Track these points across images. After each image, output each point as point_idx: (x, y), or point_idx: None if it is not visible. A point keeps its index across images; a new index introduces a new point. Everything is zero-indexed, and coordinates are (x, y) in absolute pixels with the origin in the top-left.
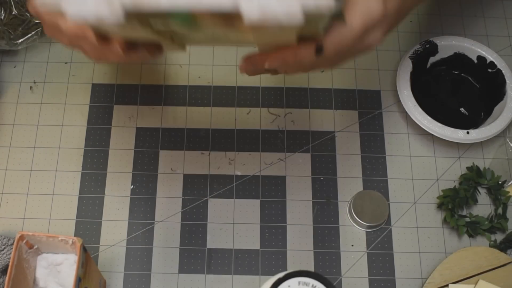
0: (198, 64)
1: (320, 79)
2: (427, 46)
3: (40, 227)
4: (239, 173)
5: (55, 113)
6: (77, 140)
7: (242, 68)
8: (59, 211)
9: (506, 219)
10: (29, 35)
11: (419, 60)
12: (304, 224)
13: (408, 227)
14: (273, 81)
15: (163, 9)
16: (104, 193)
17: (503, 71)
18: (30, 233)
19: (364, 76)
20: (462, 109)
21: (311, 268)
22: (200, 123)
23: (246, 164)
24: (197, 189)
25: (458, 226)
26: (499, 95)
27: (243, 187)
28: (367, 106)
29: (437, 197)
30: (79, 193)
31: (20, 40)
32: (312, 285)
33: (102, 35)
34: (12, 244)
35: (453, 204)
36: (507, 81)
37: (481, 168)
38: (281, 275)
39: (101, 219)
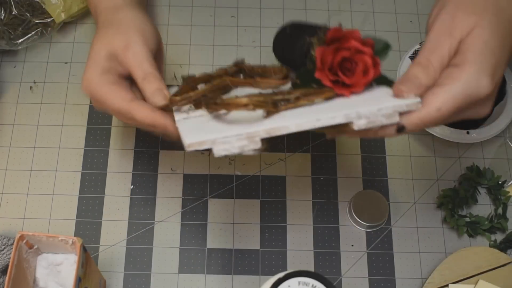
0: (198, 64)
1: None
2: None
3: (40, 227)
4: (239, 173)
5: (55, 113)
6: (77, 140)
7: (328, 136)
8: (59, 211)
9: (506, 219)
10: (29, 35)
11: None
12: (304, 224)
13: (408, 227)
14: None
15: (291, 132)
16: (104, 193)
17: None
18: (30, 233)
19: None
20: None
21: (311, 268)
22: None
23: (246, 164)
24: (197, 189)
25: (458, 226)
26: (499, 95)
27: (243, 187)
28: None
29: (437, 197)
30: (79, 193)
31: (20, 40)
32: (312, 285)
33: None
34: (12, 244)
35: (453, 204)
36: (507, 81)
37: (481, 168)
38: (281, 275)
39: (101, 219)
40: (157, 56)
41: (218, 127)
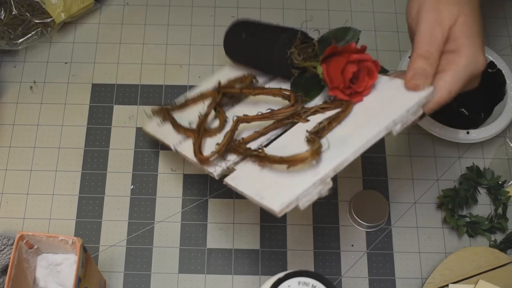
0: (198, 64)
1: None
2: None
3: (40, 227)
4: None
5: (55, 113)
6: (77, 140)
7: None
8: (59, 211)
9: (506, 219)
10: (29, 35)
11: None
12: (304, 224)
13: (408, 227)
14: None
15: (350, 161)
16: (104, 193)
17: (503, 71)
18: (30, 233)
19: None
20: (462, 109)
21: (311, 268)
22: None
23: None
24: (197, 189)
25: (458, 226)
26: (499, 95)
27: None
28: None
29: (437, 197)
30: (79, 193)
31: (20, 40)
32: (312, 285)
33: None
34: (12, 244)
35: (453, 204)
36: (507, 81)
37: (481, 168)
38: (281, 275)
39: (101, 219)
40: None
41: (283, 181)
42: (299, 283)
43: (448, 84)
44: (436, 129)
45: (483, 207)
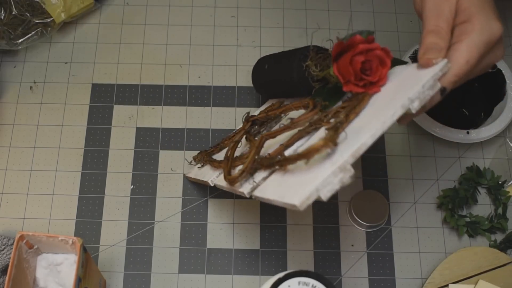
0: (198, 64)
1: None
2: None
3: (40, 227)
4: None
5: (55, 113)
6: (77, 140)
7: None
8: (59, 211)
9: (506, 219)
10: (29, 35)
11: None
12: (304, 224)
13: (408, 227)
14: None
15: (369, 145)
16: (104, 193)
17: (503, 71)
18: (30, 233)
19: None
20: (462, 109)
21: (311, 268)
22: (199, 123)
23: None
24: (197, 189)
25: (458, 226)
26: (499, 95)
27: None
28: None
29: (437, 197)
30: (79, 193)
31: (20, 40)
32: (312, 285)
33: None
34: (12, 244)
35: (453, 204)
36: (507, 81)
37: (481, 168)
38: (281, 275)
39: (101, 219)
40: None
41: (304, 177)
42: (299, 283)
43: (464, 53)
44: (436, 129)
45: (483, 207)
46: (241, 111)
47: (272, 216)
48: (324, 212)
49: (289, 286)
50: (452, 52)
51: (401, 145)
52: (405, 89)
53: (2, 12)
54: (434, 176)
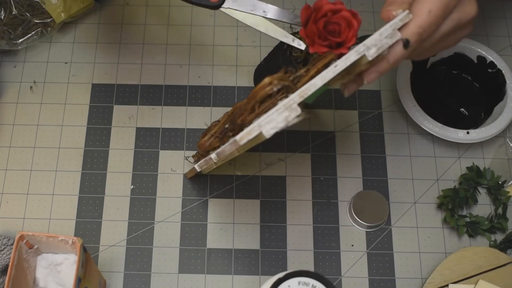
0: (198, 64)
1: None
2: None
3: (40, 227)
4: (239, 173)
5: (55, 113)
6: (77, 140)
7: (346, 93)
8: (59, 211)
9: (506, 219)
10: (29, 35)
11: (419, 60)
12: (304, 224)
13: (408, 227)
14: None
15: (318, 86)
16: (104, 193)
17: (503, 71)
18: (30, 233)
19: None
20: (462, 109)
21: (311, 268)
22: (199, 123)
23: (246, 164)
24: (197, 189)
25: (458, 226)
26: (499, 95)
27: (243, 187)
28: (367, 106)
29: (437, 197)
30: (79, 193)
31: (20, 40)
32: (312, 285)
33: None
34: (12, 244)
35: (453, 204)
36: (507, 81)
37: (481, 168)
38: (281, 275)
39: (101, 219)
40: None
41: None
42: (299, 283)
43: (426, 4)
44: (436, 129)
45: (483, 207)
46: None
47: (272, 216)
48: (324, 212)
49: (289, 286)
50: (414, 5)
51: (401, 145)
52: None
53: (2, 12)
54: (434, 176)
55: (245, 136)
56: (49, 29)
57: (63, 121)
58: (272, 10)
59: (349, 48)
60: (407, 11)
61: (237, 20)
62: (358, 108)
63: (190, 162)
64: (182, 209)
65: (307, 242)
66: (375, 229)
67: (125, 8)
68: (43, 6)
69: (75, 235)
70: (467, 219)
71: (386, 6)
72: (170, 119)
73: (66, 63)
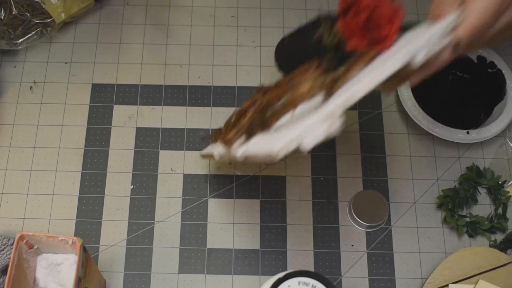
0: (198, 64)
1: None
2: None
3: (40, 227)
4: (239, 173)
5: (55, 113)
6: (77, 140)
7: (387, 92)
8: (59, 211)
9: (506, 219)
10: (29, 35)
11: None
12: (304, 224)
13: (408, 227)
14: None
15: (365, 93)
16: (104, 193)
17: (503, 71)
18: (30, 233)
19: None
20: (462, 109)
21: (311, 268)
22: (199, 123)
23: (246, 164)
24: (197, 189)
25: (458, 226)
26: (499, 95)
27: (243, 187)
28: (367, 106)
29: (437, 197)
30: (79, 193)
31: (20, 40)
32: (312, 285)
33: None
34: (12, 244)
35: (453, 204)
36: (507, 81)
37: (481, 168)
38: (281, 275)
39: (101, 219)
40: None
41: (291, 129)
42: (299, 283)
43: (480, 2)
44: (436, 129)
45: (483, 207)
46: None
47: (272, 216)
48: (324, 212)
49: (289, 286)
50: (467, 3)
51: (401, 145)
52: (410, 43)
53: (2, 12)
54: (434, 176)
55: (284, 148)
56: (49, 29)
57: (63, 121)
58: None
59: (390, 45)
60: (458, 11)
61: (237, 20)
62: (358, 108)
63: (205, 144)
64: (182, 209)
65: (307, 242)
66: (375, 229)
67: (125, 8)
68: (43, 6)
69: (75, 235)
70: (467, 219)
71: (436, 5)
72: (170, 119)
73: (66, 63)
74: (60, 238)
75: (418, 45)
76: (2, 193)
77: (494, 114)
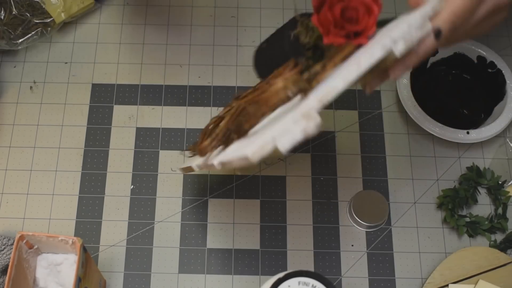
0: (198, 64)
1: None
2: None
3: (40, 227)
4: (239, 173)
5: (55, 113)
6: (77, 140)
7: (368, 90)
8: (59, 211)
9: (506, 219)
10: (29, 35)
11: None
12: (304, 224)
13: (408, 227)
14: None
15: (340, 90)
16: (104, 193)
17: (503, 71)
18: (30, 233)
19: None
20: (462, 109)
21: (311, 268)
22: (199, 123)
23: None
24: (197, 189)
25: (458, 226)
26: (499, 95)
27: (243, 187)
28: (367, 106)
29: (437, 197)
30: (79, 193)
31: (20, 40)
32: (312, 285)
33: None
34: (12, 244)
35: (453, 204)
36: (507, 81)
37: (481, 168)
38: (281, 275)
39: (101, 219)
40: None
41: (266, 131)
42: (299, 283)
43: None
44: (436, 129)
45: (483, 207)
46: None
47: (272, 216)
48: (324, 212)
49: (289, 286)
50: None
51: (401, 145)
52: (389, 33)
53: (2, 12)
54: (434, 176)
55: (258, 151)
56: (49, 29)
57: (63, 121)
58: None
59: (368, 38)
60: None
61: (237, 20)
62: (358, 108)
63: (187, 157)
64: (182, 209)
65: (307, 242)
66: (375, 229)
67: (125, 8)
68: (43, 6)
69: (75, 235)
70: (467, 219)
71: None
72: (170, 119)
73: (66, 63)
74: (60, 238)
75: (397, 34)
76: (2, 193)
77: (494, 114)
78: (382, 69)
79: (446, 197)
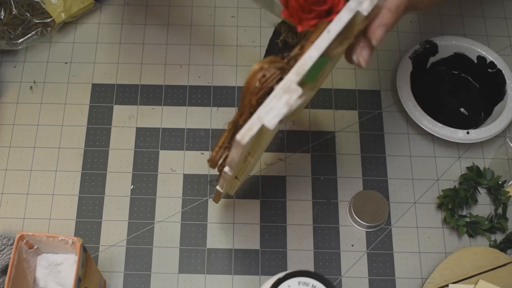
0: (198, 64)
1: None
2: (427, 46)
3: (40, 227)
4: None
5: (55, 113)
6: (77, 140)
7: (362, 62)
8: (59, 211)
9: (506, 219)
10: (29, 35)
11: (419, 60)
12: (304, 224)
13: (408, 227)
14: None
15: (315, 58)
16: (104, 193)
17: (503, 71)
18: (30, 233)
19: (364, 76)
20: (462, 109)
21: (311, 268)
22: (200, 123)
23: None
24: (197, 189)
25: (458, 226)
26: (499, 95)
27: (243, 187)
28: (367, 106)
29: (437, 197)
30: (79, 193)
31: (20, 40)
32: (312, 285)
33: None
34: (12, 244)
35: (453, 204)
36: (507, 81)
37: (481, 168)
38: (281, 275)
39: (101, 219)
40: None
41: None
42: (299, 283)
43: None
44: (436, 129)
45: (483, 207)
46: None
47: (272, 216)
48: (324, 212)
49: (289, 286)
50: None
51: (401, 145)
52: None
53: (2, 12)
54: (434, 176)
55: (246, 133)
56: (49, 29)
57: (63, 121)
58: None
59: (339, 12)
60: None
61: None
62: (358, 108)
63: (213, 185)
64: (182, 209)
65: (307, 242)
66: (375, 229)
67: (125, 8)
68: (43, 6)
69: (75, 235)
70: (467, 219)
71: None
72: (170, 119)
73: (66, 63)
74: (60, 238)
75: None
76: (2, 193)
77: (494, 114)
78: (362, 36)
79: (446, 197)
